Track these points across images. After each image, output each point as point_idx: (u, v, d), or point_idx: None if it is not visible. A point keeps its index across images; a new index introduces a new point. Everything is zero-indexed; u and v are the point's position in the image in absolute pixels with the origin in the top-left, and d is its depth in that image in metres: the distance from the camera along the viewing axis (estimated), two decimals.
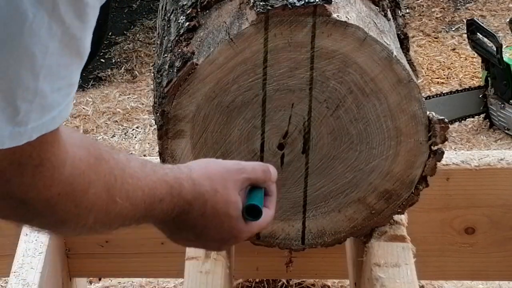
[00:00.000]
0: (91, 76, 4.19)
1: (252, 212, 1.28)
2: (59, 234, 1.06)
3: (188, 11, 1.58)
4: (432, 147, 1.56)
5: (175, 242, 1.30)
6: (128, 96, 3.95)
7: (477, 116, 3.78)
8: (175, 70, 1.51)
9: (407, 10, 4.57)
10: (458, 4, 4.70)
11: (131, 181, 1.09)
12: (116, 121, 3.75)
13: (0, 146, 0.86)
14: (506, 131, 3.69)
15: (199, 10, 1.58)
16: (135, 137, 3.62)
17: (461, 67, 4.13)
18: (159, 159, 1.60)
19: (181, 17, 1.59)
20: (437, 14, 4.61)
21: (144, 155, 3.39)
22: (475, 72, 4.07)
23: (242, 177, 1.28)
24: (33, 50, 0.83)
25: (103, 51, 4.36)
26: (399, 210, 1.64)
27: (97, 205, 1.03)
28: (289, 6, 1.43)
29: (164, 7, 1.74)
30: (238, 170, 1.28)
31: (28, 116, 0.86)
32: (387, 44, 1.48)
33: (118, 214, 1.08)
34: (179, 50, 1.52)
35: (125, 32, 4.61)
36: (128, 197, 1.08)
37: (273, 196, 1.36)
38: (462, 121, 3.76)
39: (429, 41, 4.36)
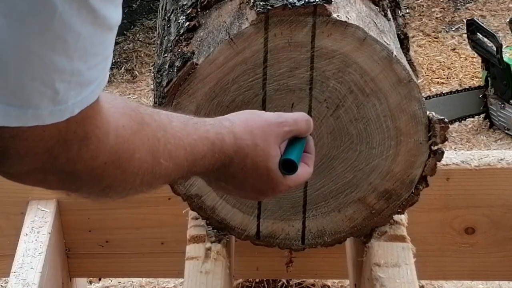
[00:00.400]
0: None
1: (288, 166, 1.28)
2: (107, 199, 1.10)
3: (188, 11, 1.58)
4: (432, 147, 1.56)
5: (213, 189, 1.32)
6: (128, 96, 3.95)
7: (477, 116, 3.78)
8: (175, 70, 1.51)
9: (407, 10, 4.57)
10: (458, 4, 4.70)
11: (173, 142, 1.12)
12: None
13: (41, 123, 0.89)
14: (506, 131, 3.69)
15: (199, 10, 1.58)
16: None
17: (461, 67, 4.13)
18: None
19: (181, 17, 1.59)
20: (437, 14, 4.61)
21: None
22: (475, 72, 4.07)
23: (283, 131, 1.28)
24: (66, 37, 0.86)
25: None
26: (399, 210, 1.64)
27: (142, 168, 1.07)
28: (289, 6, 1.43)
29: (164, 7, 1.74)
30: (280, 123, 1.28)
31: (67, 95, 0.89)
32: (387, 44, 1.48)
33: (163, 174, 1.11)
34: (179, 50, 1.52)
35: (125, 32, 4.60)
36: (171, 157, 1.11)
37: (312, 154, 1.36)
38: (462, 121, 3.76)
39: (429, 41, 4.36)
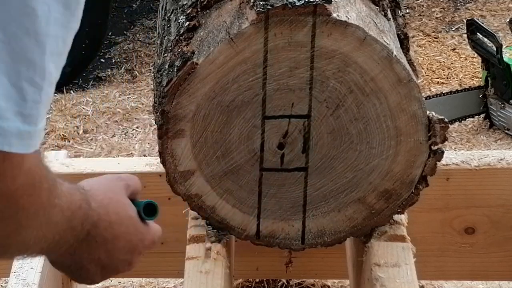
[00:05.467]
0: (91, 76, 4.18)
1: (149, 210, 1.31)
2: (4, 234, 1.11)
3: (188, 11, 1.58)
4: (432, 146, 1.56)
5: (82, 281, 1.30)
6: (128, 96, 3.95)
7: (477, 116, 3.77)
8: (175, 70, 1.51)
9: (407, 10, 4.57)
10: (458, 4, 4.70)
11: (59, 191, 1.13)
12: (116, 121, 3.75)
13: (7, 149, 0.92)
14: (506, 131, 3.69)
15: (199, 9, 1.58)
16: (135, 137, 3.61)
17: (461, 67, 4.13)
18: (159, 159, 1.61)
19: (181, 16, 1.59)
20: (437, 14, 4.61)
21: (144, 155, 3.39)
22: (475, 72, 4.06)
23: (123, 184, 1.32)
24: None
25: (103, 51, 4.36)
26: (399, 210, 1.64)
27: (44, 202, 1.07)
28: (289, 5, 1.43)
29: (164, 7, 1.74)
30: (117, 177, 1.34)
31: (36, 109, 0.93)
32: (387, 43, 1.48)
33: (53, 221, 1.11)
34: (179, 50, 1.52)
35: (125, 32, 4.60)
36: (62, 208, 1.12)
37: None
38: (462, 121, 3.76)
39: (429, 41, 4.36)
